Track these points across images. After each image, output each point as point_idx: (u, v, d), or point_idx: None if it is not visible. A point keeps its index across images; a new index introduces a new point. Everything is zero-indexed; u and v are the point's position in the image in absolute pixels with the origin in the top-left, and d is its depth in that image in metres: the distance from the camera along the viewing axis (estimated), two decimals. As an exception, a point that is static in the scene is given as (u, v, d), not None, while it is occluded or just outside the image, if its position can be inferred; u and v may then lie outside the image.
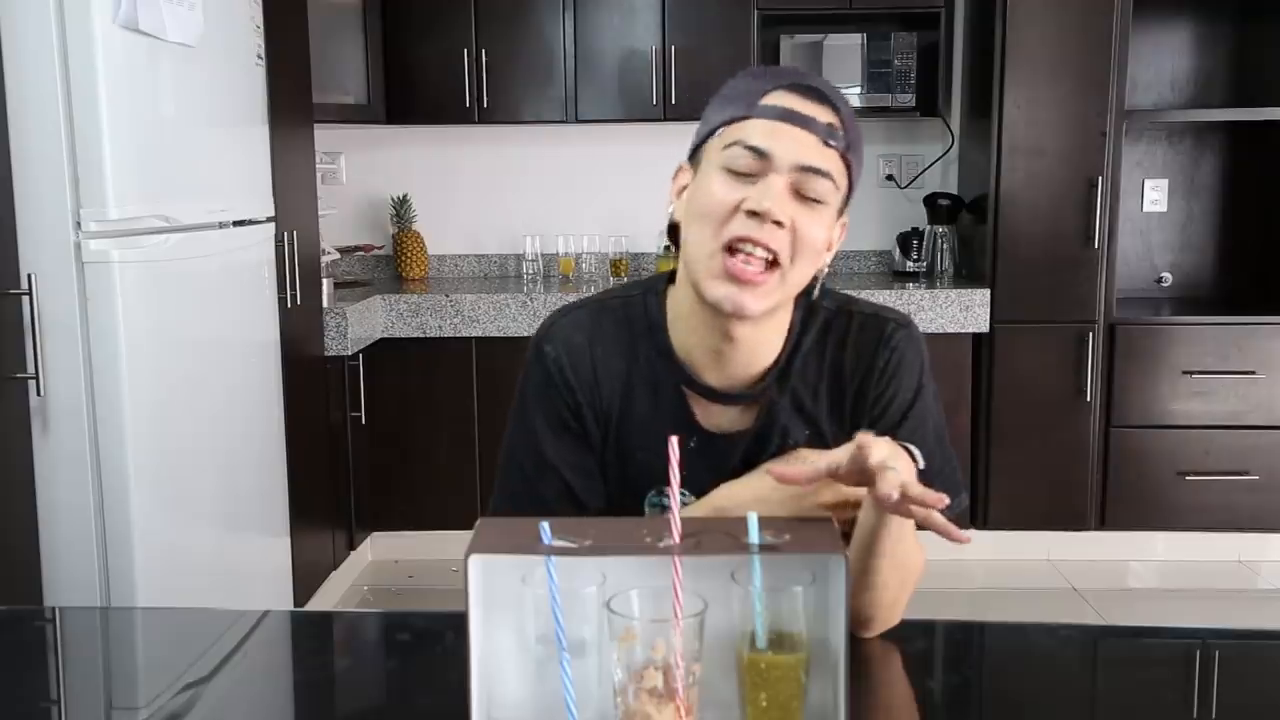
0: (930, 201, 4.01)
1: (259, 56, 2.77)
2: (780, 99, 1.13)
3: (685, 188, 1.20)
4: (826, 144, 1.13)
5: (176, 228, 2.35)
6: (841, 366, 1.23)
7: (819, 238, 1.14)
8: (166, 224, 2.32)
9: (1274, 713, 1.10)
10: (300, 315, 3.05)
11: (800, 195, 1.12)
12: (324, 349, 3.32)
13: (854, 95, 3.81)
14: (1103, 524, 3.69)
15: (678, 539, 0.89)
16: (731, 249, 1.12)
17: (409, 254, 4.12)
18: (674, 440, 0.91)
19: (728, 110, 1.16)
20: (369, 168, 4.22)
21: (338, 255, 3.86)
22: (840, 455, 1.00)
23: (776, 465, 1.06)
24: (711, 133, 1.17)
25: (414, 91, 3.89)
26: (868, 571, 1.09)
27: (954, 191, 4.07)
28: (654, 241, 4.05)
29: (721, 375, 1.22)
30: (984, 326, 3.61)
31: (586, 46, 3.83)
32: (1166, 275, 4.06)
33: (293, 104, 3.07)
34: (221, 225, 2.58)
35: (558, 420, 1.23)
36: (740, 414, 1.24)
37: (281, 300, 2.91)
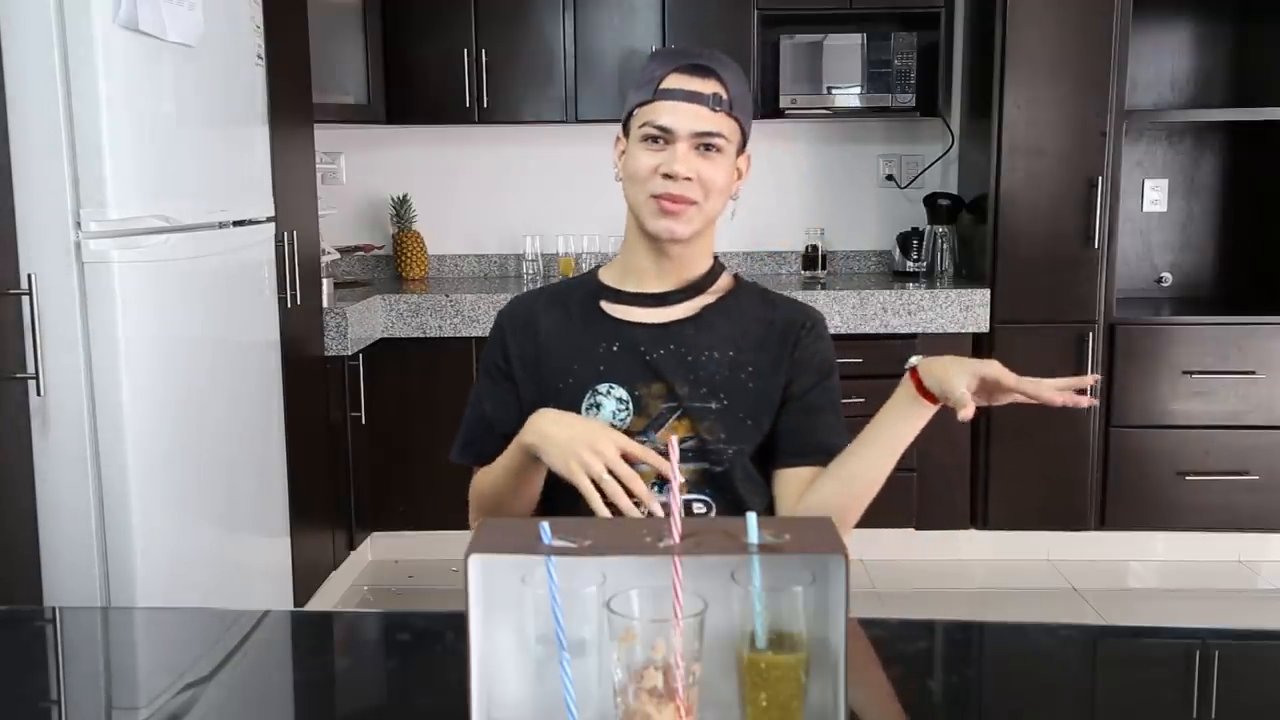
0: (930, 201, 4.01)
1: (259, 56, 2.77)
2: (675, 81, 1.45)
3: (623, 153, 1.53)
4: (714, 110, 1.44)
5: (176, 228, 2.35)
6: (773, 321, 1.54)
7: (720, 179, 1.47)
8: (166, 224, 2.32)
9: (1274, 713, 1.10)
10: (300, 315, 3.05)
11: (701, 151, 1.45)
12: (324, 349, 3.32)
13: (854, 95, 3.81)
14: (1103, 524, 3.69)
15: (678, 539, 0.89)
16: (657, 197, 1.47)
17: (409, 254, 4.12)
18: (674, 440, 0.91)
19: (639, 94, 1.48)
20: (369, 168, 4.22)
21: (338, 255, 3.86)
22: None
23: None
24: (630, 113, 1.50)
25: (414, 91, 3.89)
26: (874, 473, 1.40)
27: (954, 191, 4.07)
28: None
29: (662, 280, 1.54)
30: (984, 326, 3.61)
31: (586, 46, 3.83)
32: (1166, 275, 4.06)
33: (293, 104, 3.07)
34: (221, 225, 2.58)
35: (492, 365, 1.60)
36: (670, 312, 1.53)
37: (281, 300, 2.91)
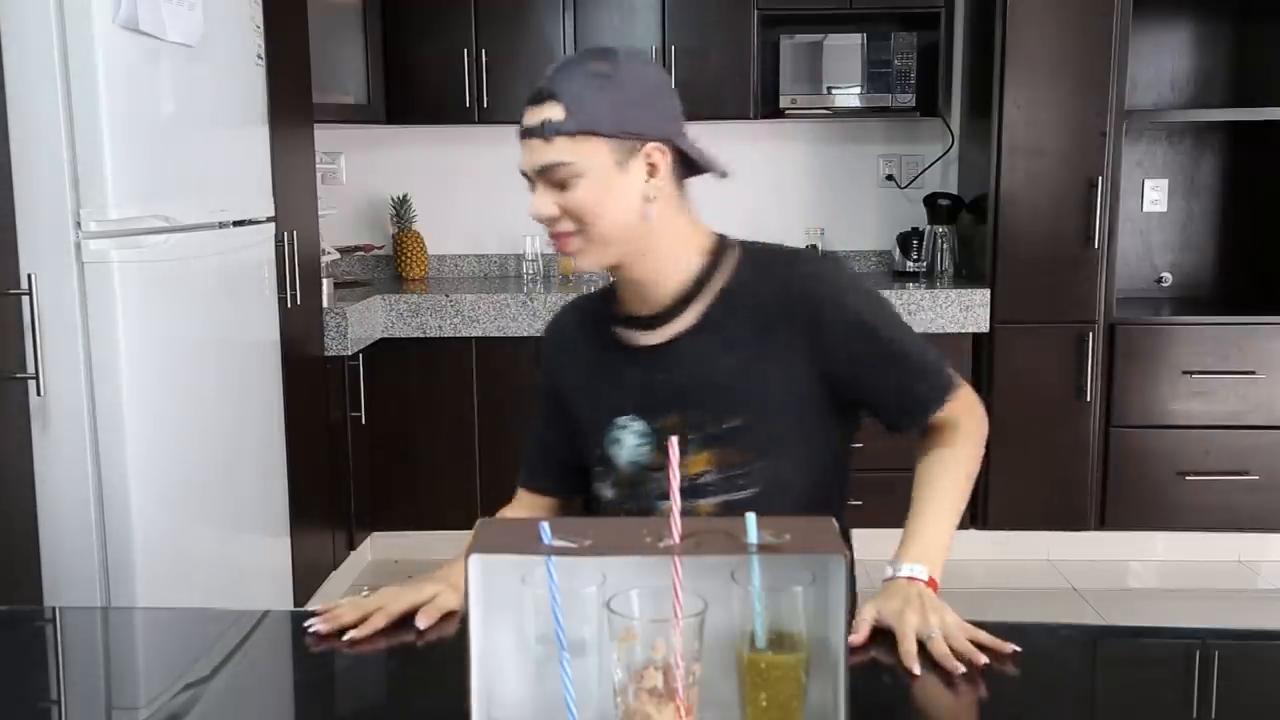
0: (930, 201, 4.01)
1: (259, 56, 2.77)
2: (526, 119, 1.35)
3: None
4: (547, 140, 1.33)
5: (176, 228, 2.35)
6: (779, 301, 1.40)
7: (588, 200, 1.34)
8: (166, 224, 2.32)
9: (1274, 713, 1.10)
10: (300, 315, 3.05)
11: (558, 184, 1.34)
12: (324, 349, 3.32)
13: (854, 95, 3.81)
14: (1103, 524, 3.69)
15: (678, 539, 0.89)
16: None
17: (409, 254, 4.12)
18: (673, 441, 0.90)
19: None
20: (369, 168, 4.22)
21: (338, 255, 3.86)
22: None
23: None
24: None
25: (414, 91, 3.89)
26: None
27: (954, 191, 4.07)
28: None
29: (645, 302, 1.44)
30: (984, 326, 3.61)
31: (586, 46, 3.82)
32: (1166, 275, 4.06)
33: (293, 104, 3.07)
34: (221, 225, 2.58)
35: (540, 388, 1.57)
36: (669, 329, 1.43)
37: (281, 300, 2.91)
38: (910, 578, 1.27)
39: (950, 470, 1.45)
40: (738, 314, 1.40)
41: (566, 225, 1.37)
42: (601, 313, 1.50)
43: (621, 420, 1.43)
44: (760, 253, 1.45)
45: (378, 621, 1.23)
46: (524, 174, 1.38)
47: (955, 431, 1.50)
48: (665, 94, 1.39)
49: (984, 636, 1.15)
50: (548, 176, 1.34)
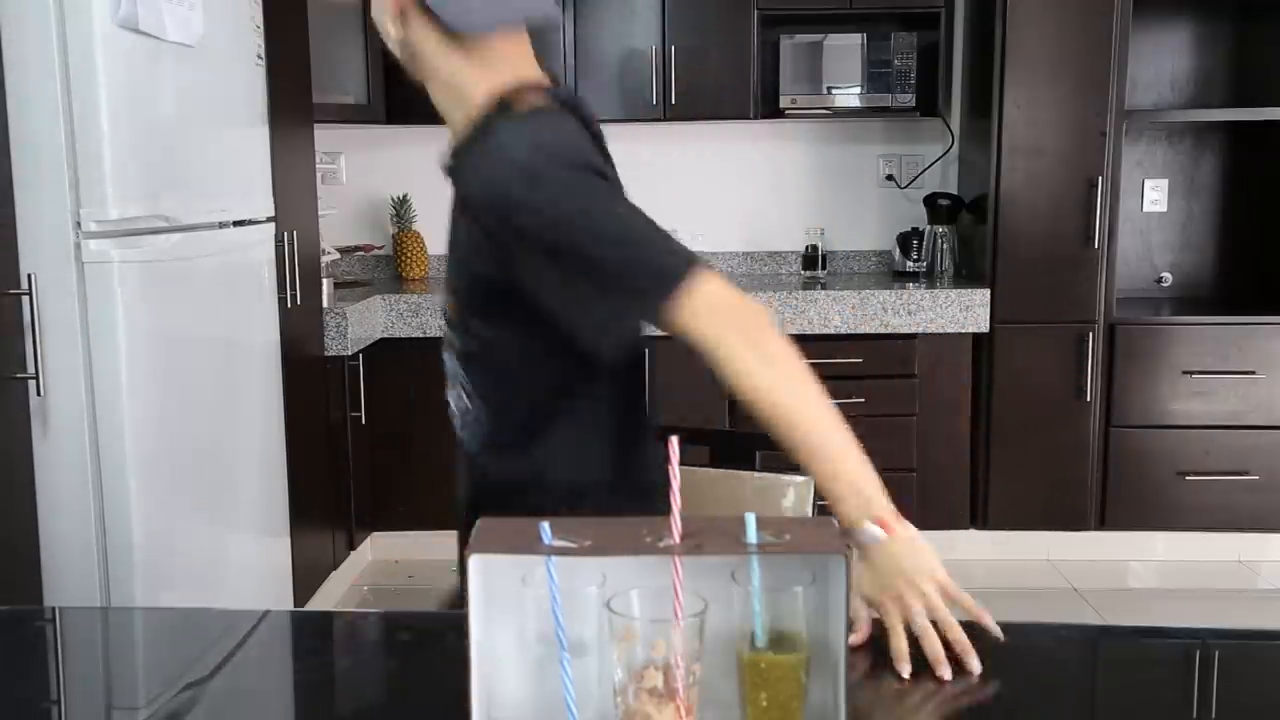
0: (930, 201, 4.01)
1: (259, 56, 2.77)
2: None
3: None
4: None
5: (176, 228, 2.35)
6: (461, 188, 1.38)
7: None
8: (166, 224, 2.32)
9: (1274, 713, 1.10)
10: (300, 315, 3.05)
11: None
12: (324, 349, 3.32)
13: (854, 95, 3.81)
14: (1103, 524, 3.70)
15: (678, 539, 0.89)
16: None
17: (409, 254, 4.12)
18: (674, 440, 0.90)
19: None
20: (369, 168, 4.22)
21: (338, 255, 3.86)
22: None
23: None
24: None
25: (414, 91, 3.86)
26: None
27: (954, 191, 4.07)
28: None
29: None
30: (984, 326, 3.61)
31: (586, 46, 3.83)
32: (1166, 275, 4.06)
33: (293, 104, 3.07)
34: (221, 225, 2.58)
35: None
36: None
37: (281, 300, 2.91)
38: (871, 542, 1.14)
39: (805, 398, 1.17)
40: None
41: None
42: None
43: None
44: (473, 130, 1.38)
45: None
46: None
47: (747, 365, 1.17)
48: None
49: (967, 600, 1.13)
50: None
